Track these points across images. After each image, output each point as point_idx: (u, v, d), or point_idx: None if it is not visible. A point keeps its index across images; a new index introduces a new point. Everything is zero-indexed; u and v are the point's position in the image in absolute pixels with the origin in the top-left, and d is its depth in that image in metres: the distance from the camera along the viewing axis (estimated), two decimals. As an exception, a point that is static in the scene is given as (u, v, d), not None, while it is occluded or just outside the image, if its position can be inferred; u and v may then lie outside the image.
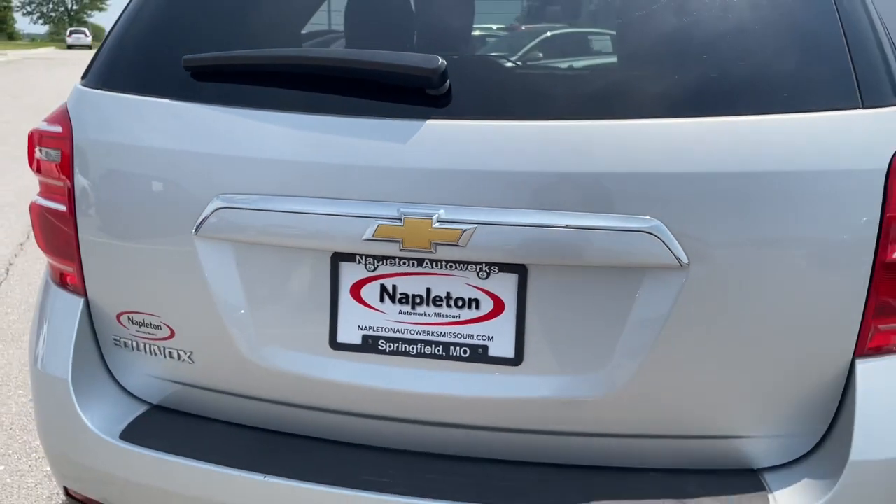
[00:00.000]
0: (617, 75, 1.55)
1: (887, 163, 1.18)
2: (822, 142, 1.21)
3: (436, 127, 1.25)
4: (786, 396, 1.27)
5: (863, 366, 1.23)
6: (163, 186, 1.36)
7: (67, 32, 55.98)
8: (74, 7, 74.27)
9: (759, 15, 1.33)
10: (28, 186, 7.01)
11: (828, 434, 1.27)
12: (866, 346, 1.24)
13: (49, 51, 49.13)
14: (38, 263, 4.79)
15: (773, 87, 1.26)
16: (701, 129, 1.21)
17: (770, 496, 1.24)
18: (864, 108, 1.21)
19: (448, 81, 1.25)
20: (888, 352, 1.25)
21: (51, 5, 73.80)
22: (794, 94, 1.24)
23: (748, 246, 1.21)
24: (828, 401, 1.26)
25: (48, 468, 2.23)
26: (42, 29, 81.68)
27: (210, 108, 1.35)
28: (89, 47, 53.63)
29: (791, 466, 1.29)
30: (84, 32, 55.14)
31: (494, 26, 2.90)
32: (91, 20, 76.51)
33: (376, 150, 1.25)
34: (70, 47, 52.66)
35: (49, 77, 23.02)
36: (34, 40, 76.88)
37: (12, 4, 67.74)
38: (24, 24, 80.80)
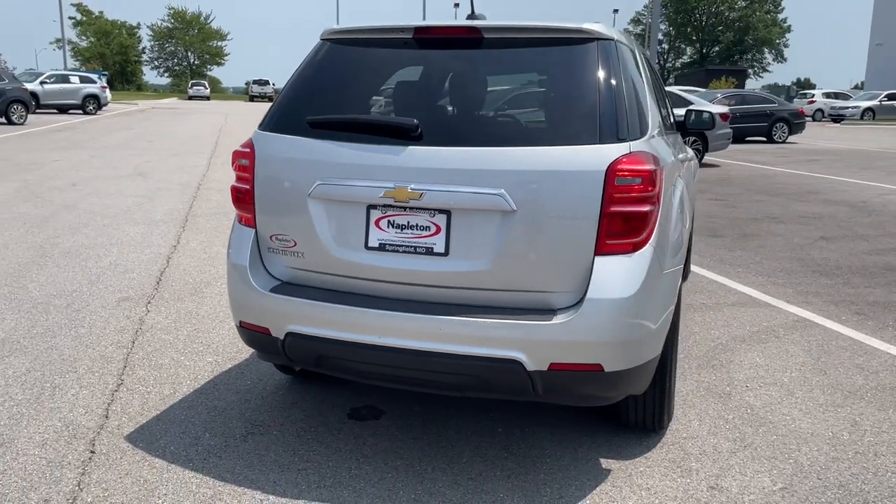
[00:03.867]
0: (493, 124, 3.12)
1: (606, 167, 2.68)
2: (581, 157, 2.71)
3: (412, 148, 2.82)
4: (566, 273, 2.75)
5: (598, 259, 2.72)
6: (295, 174, 2.99)
7: (189, 85, 61.03)
8: (196, 62, 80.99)
9: (565, 103, 2.88)
10: (172, 209, 9.03)
11: (585, 292, 2.75)
12: (599, 251, 2.73)
13: (172, 101, 53.92)
14: (188, 259, 6.63)
15: (565, 134, 2.80)
16: (527, 151, 2.75)
17: (554, 317, 2.72)
18: (600, 143, 2.73)
19: (420, 129, 2.83)
20: (609, 254, 2.73)
21: (175, 60, 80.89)
22: (573, 136, 2.77)
23: (545, 202, 2.72)
24: (585, 275, 2.74)
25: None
26: (165, 81, 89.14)
27: (316, 140, 2.98)
28: (207, 98, 58.50)
29: (568, 308, 2.76)
30: (203, 85, 60.16)
31: None
32: (210, 73, 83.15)
33: (387, 158, 2.84)
34: (191, 98, 57.56)
35: (175, 125, 26.03)
36: (157, 91, 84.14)
37: (142, 59, 74.91)
38: (150, 76, 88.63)
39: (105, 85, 33.76)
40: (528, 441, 3.32)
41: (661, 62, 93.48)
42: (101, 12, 67.97)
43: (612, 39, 3.01)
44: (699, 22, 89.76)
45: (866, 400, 3.84)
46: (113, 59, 70.73)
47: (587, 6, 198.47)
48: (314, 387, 3.86)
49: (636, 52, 3.53)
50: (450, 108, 3.07)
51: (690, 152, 5.61)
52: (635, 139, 2.83)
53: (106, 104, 33.10)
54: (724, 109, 15.46)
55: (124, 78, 71.21)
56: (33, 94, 29.46)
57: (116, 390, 3.78)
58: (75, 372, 3.99)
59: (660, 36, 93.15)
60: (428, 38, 3.07)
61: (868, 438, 3.41)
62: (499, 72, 3.15)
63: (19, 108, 24.29)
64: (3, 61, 49.58)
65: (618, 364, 2.75)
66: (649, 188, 2.73)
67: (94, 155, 15.30)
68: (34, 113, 29.03)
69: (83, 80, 32.69)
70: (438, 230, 2.82)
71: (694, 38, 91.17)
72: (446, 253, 2.82)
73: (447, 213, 2.80)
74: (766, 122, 22.21)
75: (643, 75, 3.45)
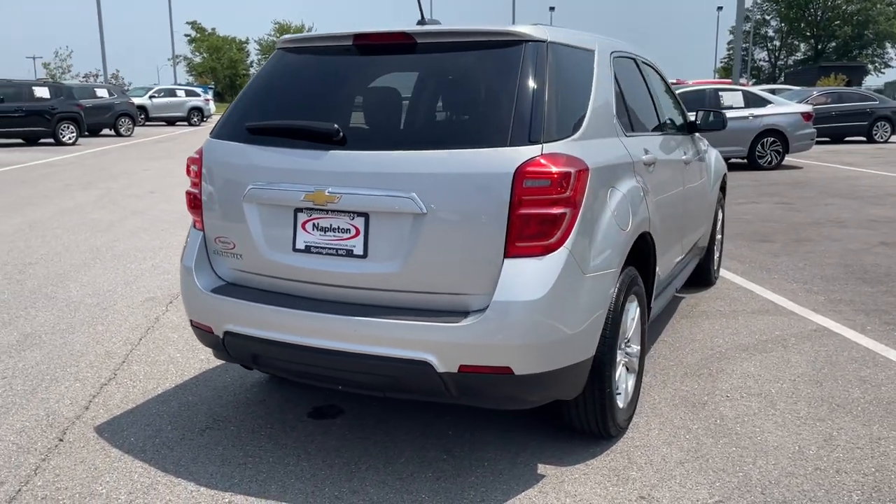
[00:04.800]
0: (413, 128, 3.13)
1: (514, 169, 2.67)
2: (489, 160, 2.71)
3: (333, 153, 2.90)
4: (478, 276, 2.74)
5: (507, 262, 2.70)
6: (233, 179, 3.12)
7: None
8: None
9: (483, 106, 2.88)
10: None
11: (494, 293, 2.73)
12: (508, 254, 2.71)
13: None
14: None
15: (479, 136, 2.80)
16: (438, 154, 2.77)
17: (463, 319, 2.72)
18: (510, 146, 2.72)
19: (342, 133, 2.90)
20: (518, 256, 2.70)
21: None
22: (486, 139, 2.77)
23: (454, 205, 2.73)
24: (496, 278, 2.73)
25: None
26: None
27: (252, 146, 3.10)
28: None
29: (481, 311, 2.75)
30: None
31: None
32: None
33: (310, 162, 2.92)
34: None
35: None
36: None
37: (250, 73, 78.33)
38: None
39: (209, 98, 35.51)
40: (473, 444, 3.32)
41: (773, 60, 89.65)
42: (213, 29, 71.53)
43: (544, 41, 2.99)
44: (813, 17, 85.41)
45: (853, 414, 3.61)
46: (223, 73, 74.25)
47: (690, 3, 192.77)
48: (286, 385, 3.98)
49: (597, 53, 3.47)
50: (376, 113, 3.13)
51: (705, 154, 5.42)
52: (554, 140, 2.79)
53: (209, 116, 34.79)
54: (806, 109, 14.70)
55: (233, 91, 74.60)
56: (143, 108, 31.42)
57: (106, 384, 4.02)
58: (77, 366, 4.27)
59: (770, 32, 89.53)
60: (366, 45, 3.14)
61: (837, 454, 3.22)
62: (430, 76, 3.18)
63: (126, 121, 25.93)
64: (121, 78, 53.00)
65: (528, 367, 2.72)
66: (560, 190, 2.70)
67: (182, 164, 16.14)
68: (144, 125, 30.92)
69: (188, 93, 34.52)
70: (358, 233, 2.88)
71: (808, 33, 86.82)
72: (365, 255, 2.87)
73: (365, 216, 2.85)
74: (865, 121, 20.93)
75: (601, 77, 3.38)
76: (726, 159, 14.90)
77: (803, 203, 10.35)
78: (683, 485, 2.98)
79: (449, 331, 2.70)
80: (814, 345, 4.59)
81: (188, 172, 3.35)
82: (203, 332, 3.26)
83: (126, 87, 38.74)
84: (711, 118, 5.19)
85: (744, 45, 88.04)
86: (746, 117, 13.98)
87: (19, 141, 22.14)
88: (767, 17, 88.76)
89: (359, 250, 2.88)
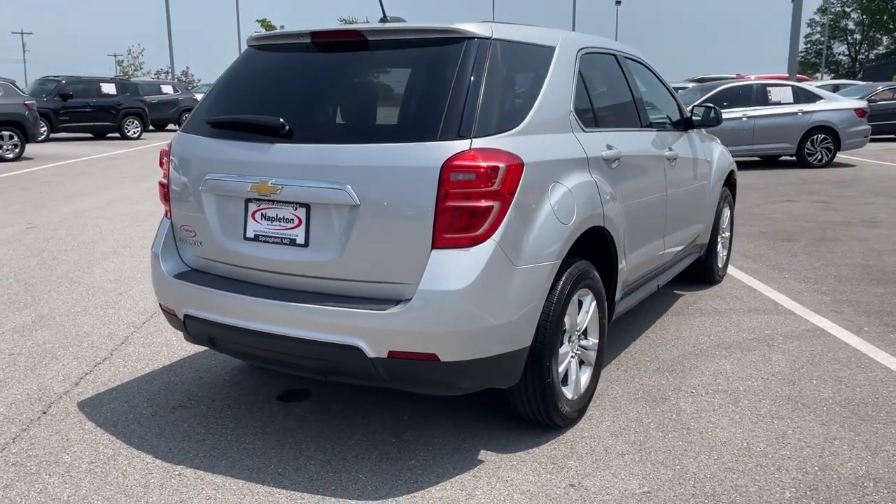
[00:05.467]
0: (354, 122, 3.25)
1: (441, 163, 2.77)
2: (418, 154, 2.81)
3: (277, 146, 3.04)
4: (409, 265, 2.85)
5: (434, 252, 2.80)
6: (194, 170, 3.30)
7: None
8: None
9: (420, 101, 2.98)
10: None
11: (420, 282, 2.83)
12: (436, 245, 2.80)
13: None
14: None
15: (412, 131, 2.90)
16: (371, 147, 2.88)
17: (392, 307, 2.82)
18: (440, 140, 2.81)
19: (287, 127, 3.04)
20: (445, 247, 2.79)
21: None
22: (418, 133, 2.87)
23: (385, 197, 2.84)
24: (424, 267, 2.83)
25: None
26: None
27: (211, 139, 3.27)
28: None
29: (409, 299, 2.85)
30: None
31: None
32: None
33: (257, 155, 3.08)
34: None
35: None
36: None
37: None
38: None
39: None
40: (425, 430, 3.42)
41: (853, 54, 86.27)
42: (282, 26, 73.05)
43: (488, 39, 3.06)
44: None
45: (816, 414, 3.57)
46: (291, 69, 75.81)
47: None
48: (266, 369, 4.16)
49: (558, 50, 3.52)
50: (323, 108, 3.26)
51: (706, 151, 5.36)
52: (488, 135, 2.87)
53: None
54: (860, 105, 14.18)
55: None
56: (207, 104, 32.41)
57: (101, 363, 4.28)
58: (79, 346, 4.55)
59: (851, 25, 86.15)
60: (322, 42, 3.28)
61: (784, 452, 3.20)
62: (378, 72, 3.30)
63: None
64: (191, 75, 54.74)
65: (454, 355, 2.81)
66: (487, 184, 2.78)
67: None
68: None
69: (252, 89, 35.47)
70: (300, 223, 3.02)
71: (891, 26, 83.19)
72: (306, 244, 3.01)
73: (307, 206, 2.99)
74: (933, 118, 20.03)
75: (557, 73, 3.43)
76: (776, 157, 14.62)
77: (842, 202, 10.04)
78: (617, 475, 3.02)
79: (377, 318, 2.81)
80: (800, 344, 4.52)
81: (161, 164, 3.55)
82: (169, 315, 3.46)
83: (194, 84, 39.99)
84: (711, 115, 5.15)
85: (821, 39, 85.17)
86: (795, 113, 13.58)
87: (88, 135, 23.17)
88: (848, 10, 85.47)
89: (301, 239, 3.02)
